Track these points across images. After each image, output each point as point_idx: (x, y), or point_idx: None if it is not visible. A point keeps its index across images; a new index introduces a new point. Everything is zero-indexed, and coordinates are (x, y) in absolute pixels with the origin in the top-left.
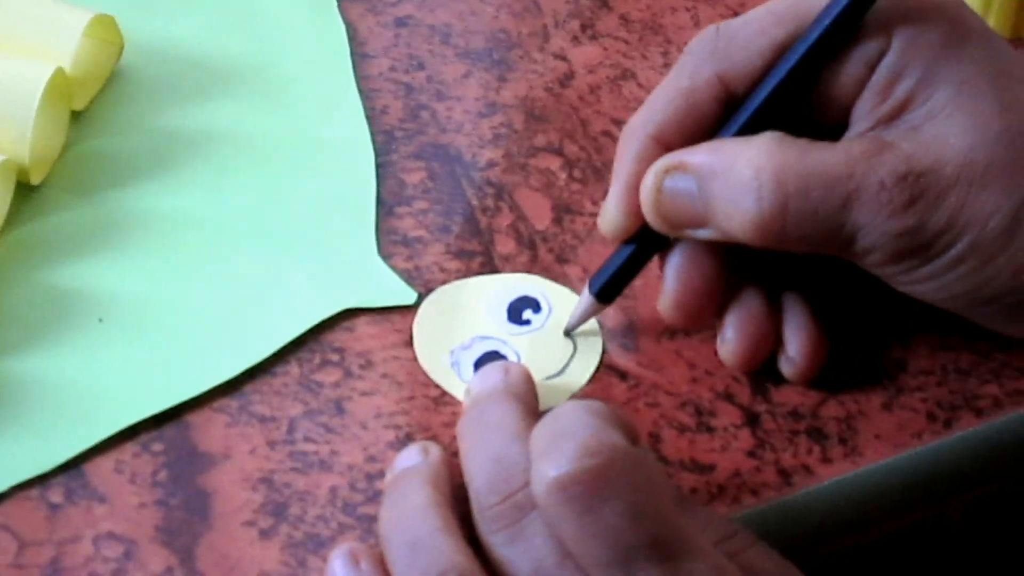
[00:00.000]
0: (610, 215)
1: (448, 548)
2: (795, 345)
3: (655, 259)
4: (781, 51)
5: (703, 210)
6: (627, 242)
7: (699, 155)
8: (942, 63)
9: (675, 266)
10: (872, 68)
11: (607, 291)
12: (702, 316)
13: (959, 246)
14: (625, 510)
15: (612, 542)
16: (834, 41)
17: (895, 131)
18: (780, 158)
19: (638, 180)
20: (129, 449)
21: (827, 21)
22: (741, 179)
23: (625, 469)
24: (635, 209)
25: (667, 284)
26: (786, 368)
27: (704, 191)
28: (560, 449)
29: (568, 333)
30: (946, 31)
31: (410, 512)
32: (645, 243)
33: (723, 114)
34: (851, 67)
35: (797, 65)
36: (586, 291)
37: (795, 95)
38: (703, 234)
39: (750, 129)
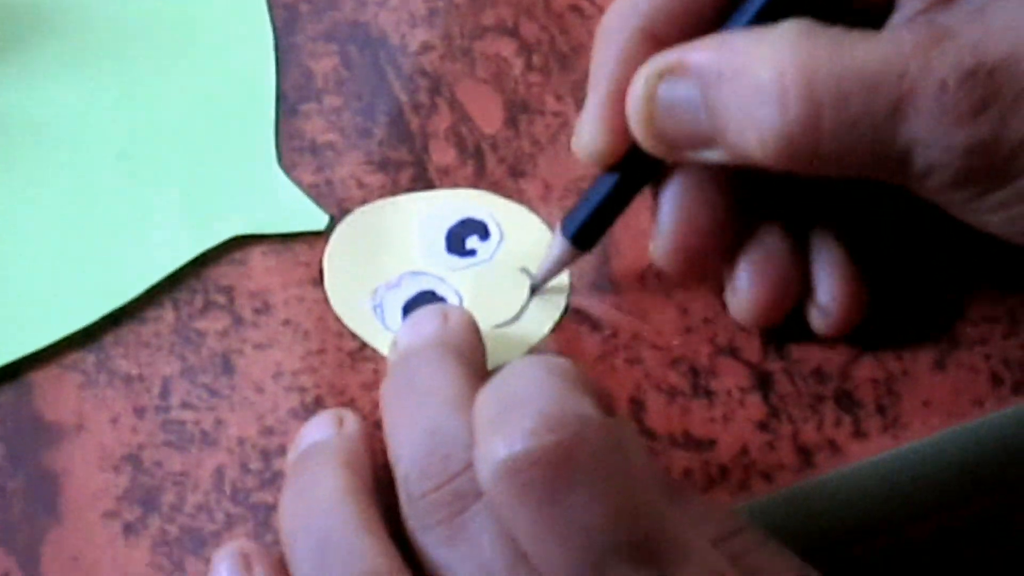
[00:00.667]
0: (587, 135)
1: (366, 548)
2: (828, 290)
3: (645, 191)
4: None
5: (709, 124)
6: (610, 170)
7: (703, 53)
8: None
9: (672, 199)
10: None
11: (586, 234)
12: (706, 262)
13: None
14: (596, 501)
15: (579, 543)
16: None
17: (956, 14)
18: (809, 54)
19: (624, 86)
20: None
21: None
22: (759, 83)
23: (596, 447)
24: (620, 126)
25: (661, 222)
26: (817, 320)
27: (710, 100)
28: (512, 422)
29: (535, 290)
30: None
31: (319, 503)
32: (633, 170)
33: (727, 3)
34: None
35: None
36: (558, 234)
37: None
38: (709, 156)
39: (767, 17)
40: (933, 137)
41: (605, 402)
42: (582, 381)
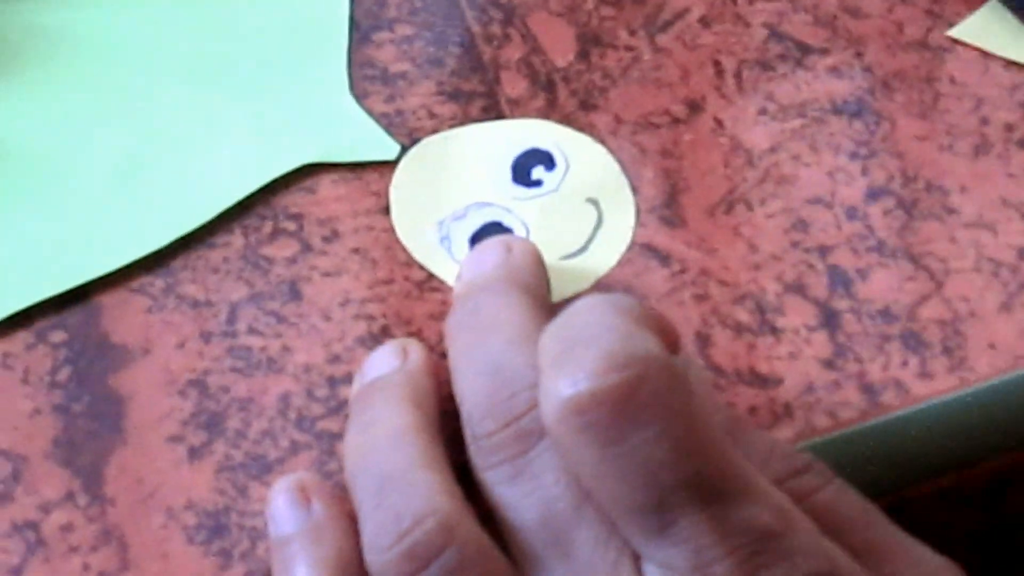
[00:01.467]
0: None
1: (427, 486)
2: None
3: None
4: None
5: None
6: None
7: None
8: None
9: None
10: None
11: None
12: None
13: None
14: (660, 439)
15: (643, 481)
16: None
17: None
18: None
19: None
20: (21, 339)
21: None
22: None
23: (662, 386)
24: None
25: None
26: None
27: None
28: (577, 360)
29: None
30: None
31: (382, 440)
32: None
33: None
34: None
35: None
36: None
37: None
38: None
39: None
40: None
41: (671, 339)
42: (649, 319)
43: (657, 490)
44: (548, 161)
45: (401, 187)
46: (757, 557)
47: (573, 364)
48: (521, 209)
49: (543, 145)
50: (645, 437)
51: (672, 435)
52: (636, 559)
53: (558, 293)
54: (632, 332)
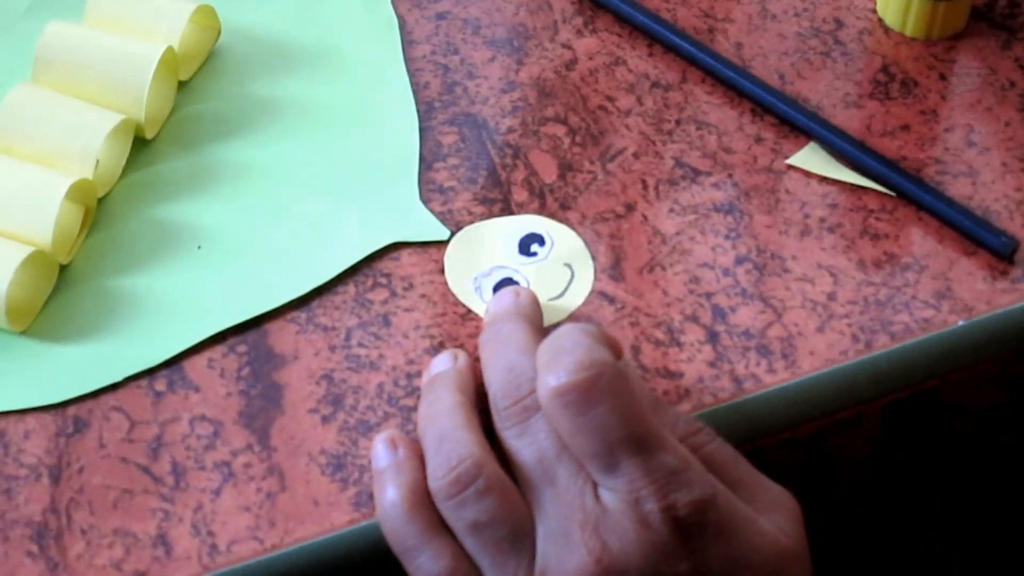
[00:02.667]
0: None
1: (468, 440)
2: None
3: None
4: None
5: None
6: None
7: None
8: None
9: None
10: None
11: None
12: None
13: None
14: (610, 412)
15: (599, 437)
16: None
17: None
18: None
19: None
20: (219, 350)
21: None
22: None
23: (611, 380)
24: None
25: None
26: None
27: None
28: (560, 363)
29: None
30: None
31: (440, 411)
32: None
33: None
34: None
35: None
36: None
37: None
38: None
39: None
40: None
41: (618, 350)
42: (602, 337)
43: (607, 444)
44: (540, 240)
45: (451, 256)
46: (668, 486)
47: (557, 366)
48: (524, 270)
49: (538, 230)
50: (600, 411)
51: (617, 410)
52: (595, 486)
53: (547, 321)
54: (594, 346)
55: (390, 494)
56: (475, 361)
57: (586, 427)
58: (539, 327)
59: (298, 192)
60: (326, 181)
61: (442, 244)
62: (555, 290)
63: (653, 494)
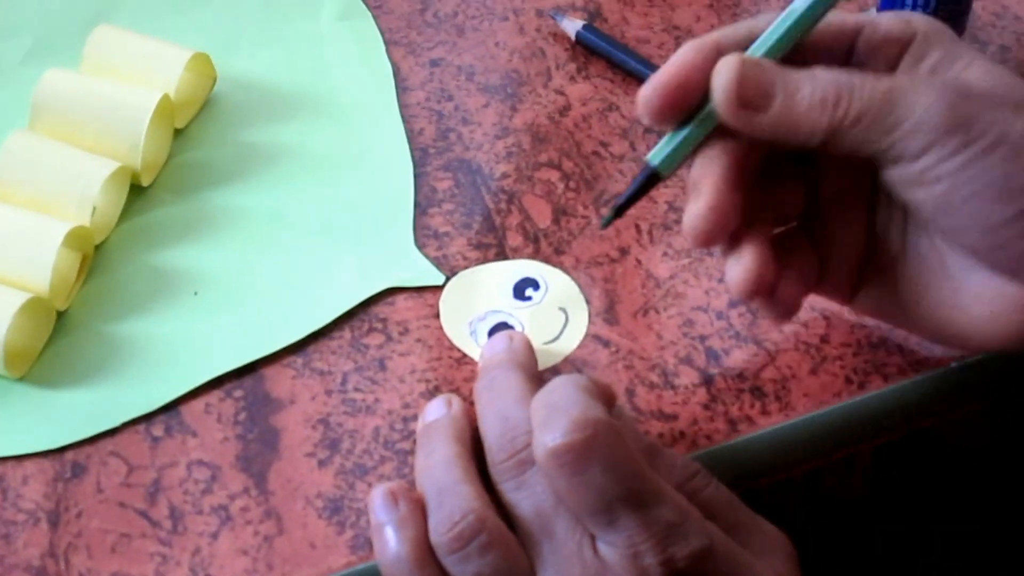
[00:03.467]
0: (662, 80)
1: (469, 495)
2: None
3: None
4: None
5: (775, 91)
6: (680, 125)
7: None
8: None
9: (708, 169)
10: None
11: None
12: (726, 229)
13: (995, 131)
14: (605, 471)
15: (596, 496)
16: None
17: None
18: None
19: (693, 66)
20: (216, 395)
21: None
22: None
23: (606, 438)
24: (683, 89)
25: (696, 191)
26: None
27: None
28: (555, 422)
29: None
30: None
31: (438, 463)
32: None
33: None
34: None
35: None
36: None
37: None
38: (764, 119)
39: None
40: (924, 104)
41: (610, 396)
42: (596, 390)
43: (604, 502)
44: (535, 285)
45: (446, 301)
46: (666, 539)
47: (552, 425)
48: (519, 314)
49: (532, 275)
50: (596, 469)
51: (612, 469)
52: (593, 539)
53: (542, 365)
54: (588, 403)
55: (395, 548)
56: (470, 405)
57: (582, 486)
58: (533, 373)
59: (294, 238)
60: (322, 227)
61: (437, 289)
62: (550, 334)
63: (652, 548)
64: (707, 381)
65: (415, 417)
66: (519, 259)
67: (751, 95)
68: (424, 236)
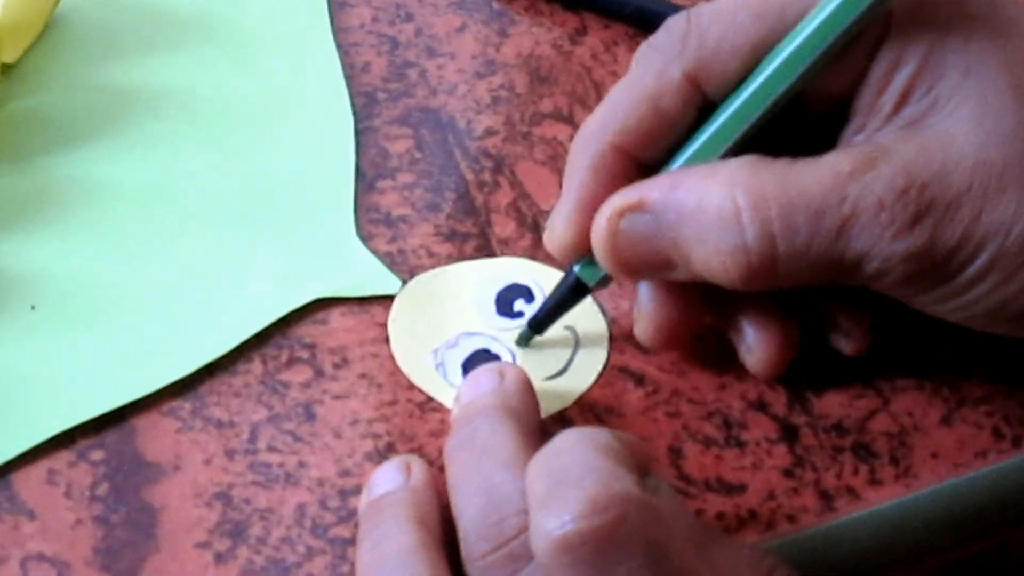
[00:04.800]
0: (557, 233)
1: None
2: (844, 315)
3: None
4: (760, 51)
5: (672, 254)
6: (567, 276)
7: (659, 190)
8: (946, 44)
9: (648, 286)
10: (871, 57)
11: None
12: (684, 335)
13: (978, 262)
14: (641, 570)
15: None
16: (826, 47)
17: (892, 131)
18: (758, 188)
19: (593, 196)
20: (64, 457)
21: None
22: (717, 215)
23: (638, 525)
24: (585, 228)
25: (641, 307)
26: (842, 343)
27: (672, 233)
28: (564, 500)
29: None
30: (951, 10)
31: (392, 557)
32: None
33: (695, 118)
34: (848, 56)
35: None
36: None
37: (777, 103)
38: (670, 276)
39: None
40: (877, 250)
41: (645, 461)
42: (623, 452)
43: None
44: (527, 294)
45: (398, 320)
46: None
47: (559, 504)
48: (507, 337)
49: (522, 280)
50: (628, 569)
51: (649, 568)
52: None
53: (544, 410)
54: (611, 471)
55: None
56: (439, 471)
57: None
58: (530, 424)
59: (174, 226)
60: (216, 210)
61: (388, 300)
62: (553, 366)
63: None
64: (789, 435)
65: (358, 489)
66: (509, 256)
67: (639, 264)
68: (371, 221)
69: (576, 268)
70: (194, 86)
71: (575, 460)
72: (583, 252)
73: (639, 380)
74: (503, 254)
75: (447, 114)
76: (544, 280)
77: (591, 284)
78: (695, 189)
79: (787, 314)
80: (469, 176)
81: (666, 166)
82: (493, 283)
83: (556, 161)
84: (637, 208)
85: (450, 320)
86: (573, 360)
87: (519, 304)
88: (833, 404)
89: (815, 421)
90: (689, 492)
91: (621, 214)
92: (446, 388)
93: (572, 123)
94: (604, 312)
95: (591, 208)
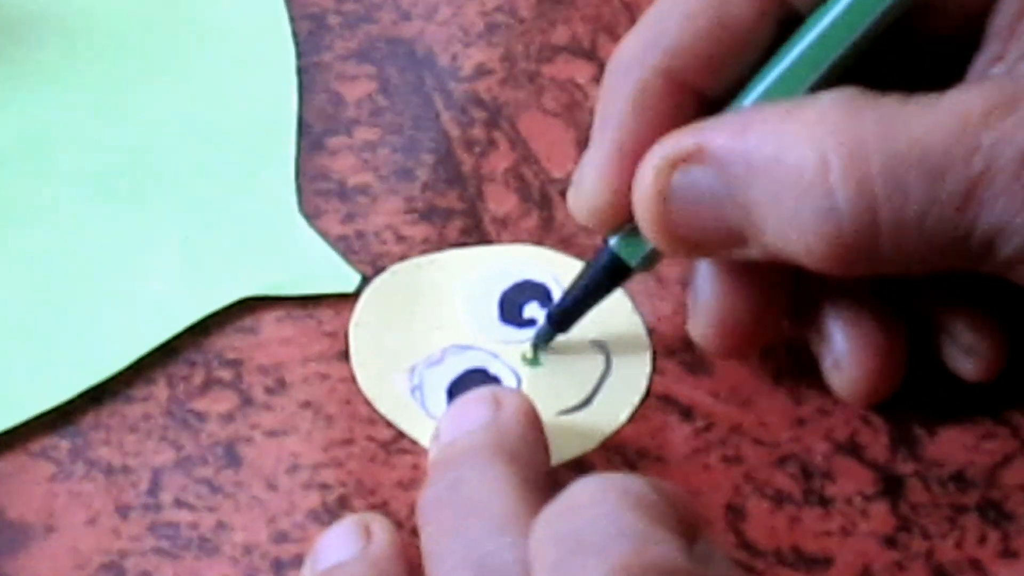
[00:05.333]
0: (587, 194)
1: None
2: (967, 325)
3: None
4: None
5: (742, 224)
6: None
7: (726, 135)
8: None
9: (709, 266)
10: None
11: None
12: (758, 339)
13: None
14: None
15: None
16: None
17: None
18: (855, 134)
19: (636, 141)
20: None
21: None
22: (797, 171)
23: None
24: (626, 185)
25: (698, 296)
26: (963, 364)
27: (739, 194)
28: (583, 572)
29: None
30: None
31: None
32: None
33: (775, 35)
34: None
35: None
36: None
37: (888, 15)
38: (739, 255)
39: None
40: (1018, 223)
41: (693, 521)
42: (664, 509)
43: None
44: (544, 296)
45: (364, 325)
46: None
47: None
48: (511, 354)
49: (537, 276)
50: None
51: None
52: None
53: (557, 455)
54: (646, 535)
55: None
56: (410, 535)
57: None
58: (534, 472)
59: (48, 197)
60: (105, 175)
61: (345, 301)
62: (573, 395)
63: None
64: (892, 489)
65: (298, 561)
66: (513, 242)
67: (696, 236)
68: (318, 193)
69: (612, 242)
70: (82, 6)
71: (598, 519)
72: (622, 219)
73: (686, 413)
74: (500, 239)
75: (423, 46)
76: (567, 276)
77: (633, 264)
78: (772, 134)
79: (892, 316)
80: (454, 132)
81: (734, 101)
82: (497, 279)
83: (573, 111)
84: (695, 158)
85: (435, 328)
86: (601, 387)
87: (531, 309)
88: (952, 447)
89: (926, 470)
90: (753, 565)
91: (673, 165)
92: (423, 420)
93: (595, 59)
94: (647, 326)
95: (633, 157)
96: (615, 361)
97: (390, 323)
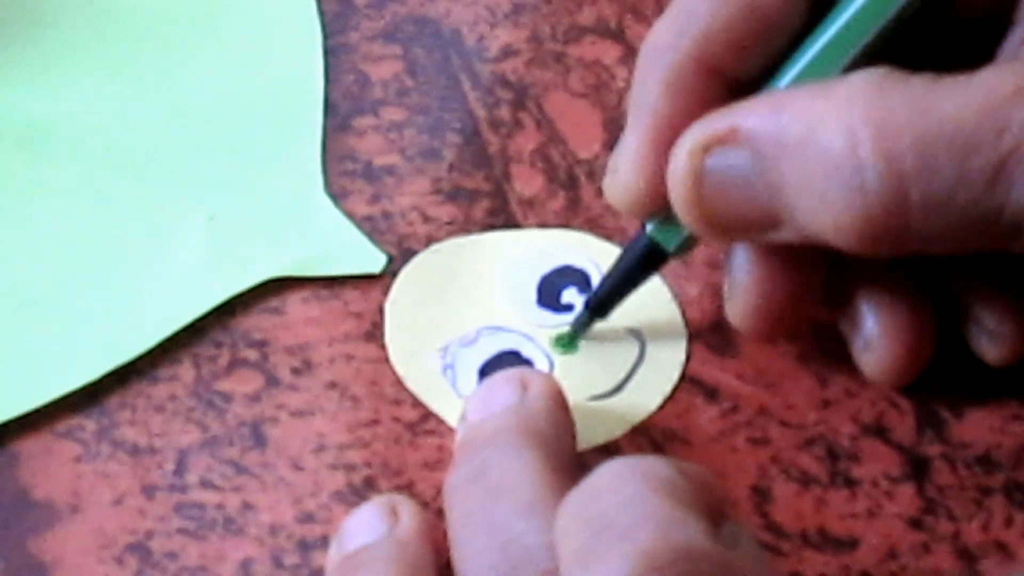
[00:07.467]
0: (623, 182)
1: None
2: (992, 309)
3: None
4: None
5: (771, 204)
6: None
7: (758, 116)
8: None
9: (746, 248)
10: None
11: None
12: (795, 319)
13: None
14: None
15: None
16: None
17: None
18: (884, 111)
19: (671, 126)
20: None
21: None
22: (828, 153)
23: None
24: (662, 172)
25: (735, 277)
26: (988, 347)
27: (771, 175)
28: (608, 557)
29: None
30: None
31: None
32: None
33: (806, 17)
34: None
35: None
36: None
37: None
38: (772, 238)
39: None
40: None
41: (718, 504)
42: (690, 492)
43: None
44: (583, 282)
45: (399, 303)
46: None
47: (602, 562)
48: (545, 338)
49: (577, 262)
50: None
51: None
52: None
53: (585, 439)
54: (672, 518)
55: None
56: (436, 518)
57: None
58: (561, 455)
59: (72, 178)
60: (130, 157)
61: (373, 283)
62: (605, 381)
63: None
64: (918, 471)
65: (324, 541)
66: (540, 224)
67: (731, 219)
68: (344, 174)
69: (649, 228)
70: None
71: (624, 502)
72: (659, 204)
73: (711, 394)
74: (526, 219)
75: (450, 26)
76: (606, 264)
77: (670, 250)
78: (802, 113)
79: (922, 299)
80: (480, 112)
81: (767, 85)
82: (538, 262)
83: (599, 92)
84: (728, 140)
85: (471, 309)
86: (634, 374)
87: (569, 295)
88: (978, 429)
89: (954, 451)
90: (779, 547)
91: (707, 148)
92: (453, 400)
93: (622, 39)
94: (683, 313)
95: (667, 143)
96: (649, 348)
97: (426, 301)
